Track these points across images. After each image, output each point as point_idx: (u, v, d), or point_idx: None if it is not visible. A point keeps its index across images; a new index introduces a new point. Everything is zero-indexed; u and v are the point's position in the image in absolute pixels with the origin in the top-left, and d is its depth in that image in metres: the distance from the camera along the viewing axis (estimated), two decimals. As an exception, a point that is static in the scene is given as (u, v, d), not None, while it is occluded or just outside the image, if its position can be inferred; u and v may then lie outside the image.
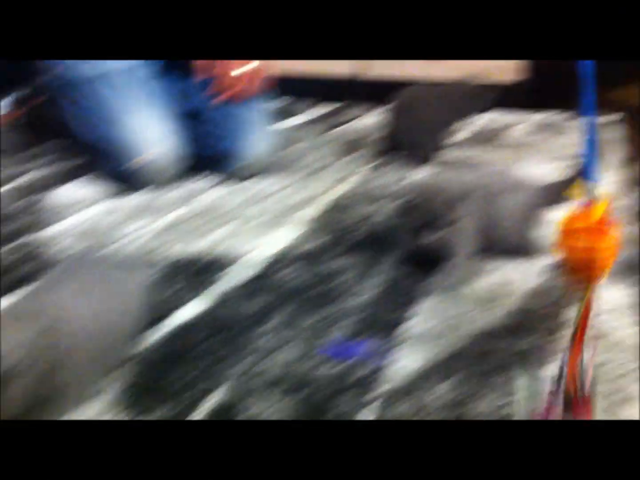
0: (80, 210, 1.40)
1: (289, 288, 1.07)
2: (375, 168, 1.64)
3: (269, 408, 0.80)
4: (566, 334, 0.89)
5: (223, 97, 1.47)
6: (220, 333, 0.95)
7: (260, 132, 1.57)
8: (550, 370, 0.83)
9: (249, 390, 0.83)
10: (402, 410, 0.78)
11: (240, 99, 1.47)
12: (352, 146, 1.85)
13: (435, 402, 0.80)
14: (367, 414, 0.78)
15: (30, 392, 0.69)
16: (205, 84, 1.48)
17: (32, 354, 0.69)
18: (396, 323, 0.96)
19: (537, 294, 1.03)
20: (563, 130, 1.93)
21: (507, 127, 1.96)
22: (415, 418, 0.77)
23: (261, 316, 0.99)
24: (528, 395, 0.78)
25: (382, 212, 1.35)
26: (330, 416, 0.79)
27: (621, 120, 2.00)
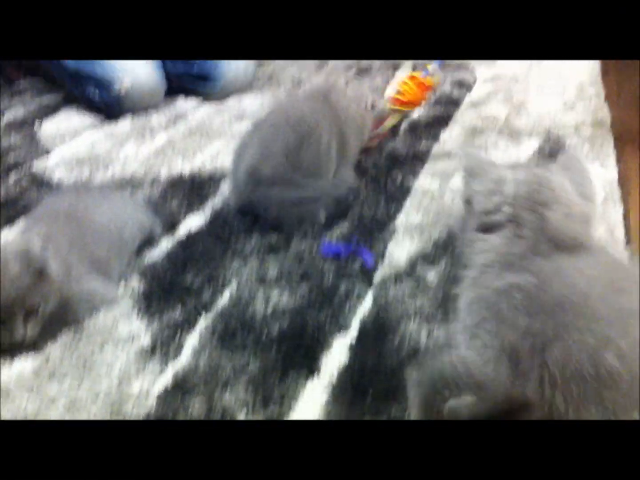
0: (73, 139, 1.41)
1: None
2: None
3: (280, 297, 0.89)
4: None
5: None
6: (220, 242, 1.02)
7: None
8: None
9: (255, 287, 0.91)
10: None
11: None
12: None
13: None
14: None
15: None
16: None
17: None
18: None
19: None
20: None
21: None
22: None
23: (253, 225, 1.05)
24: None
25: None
26: (335, 299, 0.88)
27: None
